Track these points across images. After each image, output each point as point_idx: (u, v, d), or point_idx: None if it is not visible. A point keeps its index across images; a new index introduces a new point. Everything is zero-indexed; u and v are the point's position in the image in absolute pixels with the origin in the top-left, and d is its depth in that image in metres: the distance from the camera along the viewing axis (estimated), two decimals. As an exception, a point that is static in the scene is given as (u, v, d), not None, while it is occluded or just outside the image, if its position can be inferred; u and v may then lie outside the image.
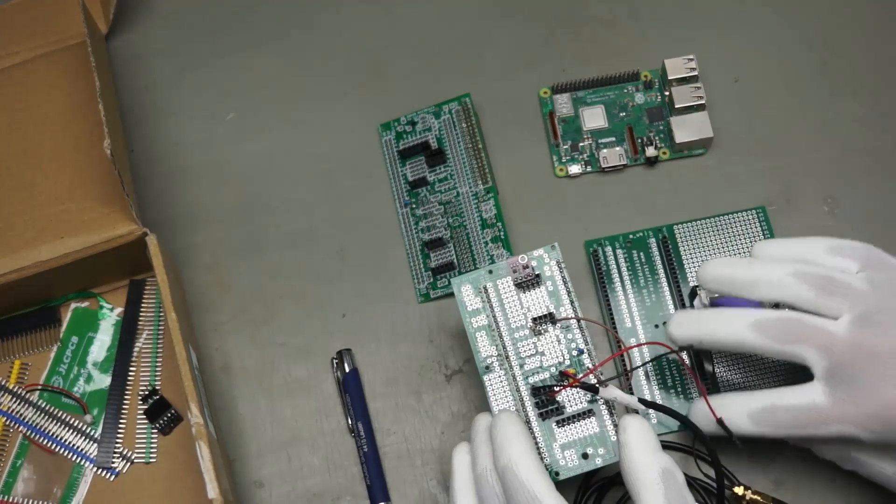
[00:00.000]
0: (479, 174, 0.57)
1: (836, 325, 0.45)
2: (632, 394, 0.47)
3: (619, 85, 0.59)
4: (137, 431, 0.55)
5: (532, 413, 0.48)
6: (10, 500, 0.54)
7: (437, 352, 0.56)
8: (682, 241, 0.56)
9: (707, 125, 0.57)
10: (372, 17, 0.64)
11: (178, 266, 0.59)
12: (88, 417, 0.56)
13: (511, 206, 0.58)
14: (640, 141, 0.58)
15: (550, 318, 0.49)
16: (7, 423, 0.56)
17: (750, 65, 0.60)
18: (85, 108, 0.57)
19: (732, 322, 0.47)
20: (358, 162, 0.60)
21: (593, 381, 0.47)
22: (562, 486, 0.45)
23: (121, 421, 0.55)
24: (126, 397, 0.56)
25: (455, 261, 0.56)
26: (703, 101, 0.57)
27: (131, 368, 0.56)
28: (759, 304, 0.48)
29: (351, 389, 0.55)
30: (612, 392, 0.46)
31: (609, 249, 0.56)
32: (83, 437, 0.55)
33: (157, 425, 0.55)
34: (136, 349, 0.57)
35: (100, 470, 0.55)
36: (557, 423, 0.47)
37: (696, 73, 0.58)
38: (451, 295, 0.56)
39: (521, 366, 0.48)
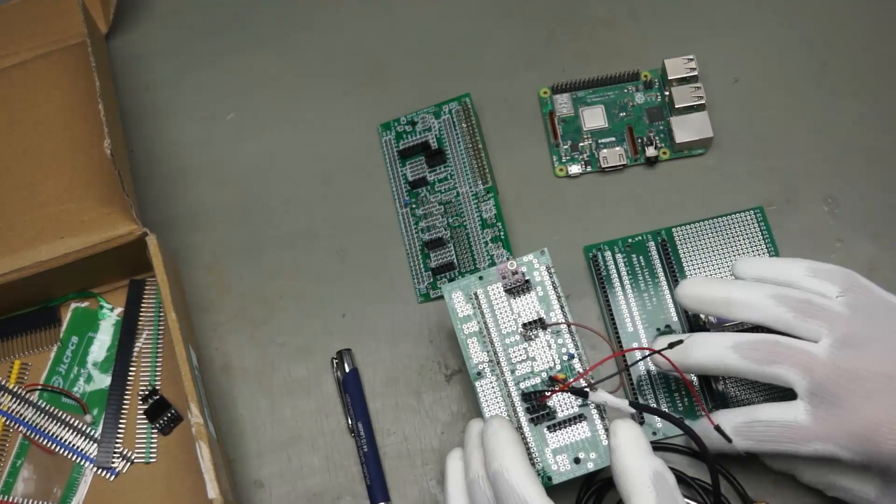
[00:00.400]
0: (479, 174, 0.57)
1: (816, 347, 0.45)
2: (636, 397, 0.47)
3: (619, 85, 0.59)
4: (137, 431, 0.55)
5: (523, 418, 0.48)
6: (10, 500, 0.54)
7: (437, 352, 0.56)
8: (682, 244, 0.56)
9: (707, 125, 0.57)
10: (372, 17, 0.64)
11: (178, 266, 0.59)
12: (88, 417, 0.56)
13: (511, 206, 0.58)
14: (640, 141, 0.58)
15: (541, 324, 0.49)
16: (7, 423, 0.56)
17: (750, 65, 0.60)
18: (85, 108, 0.57)
19: (713, 346, 0.47)
20: (358, 162, 0.60)
21: (583, 385, 0.47)
22: (555, 490, 0.45)
23: (121, 421, 0.55)
24: (126, 397, 0.56)
25: (455, 261, 0.56)
26: (703, 101, 0.57)
27: (131, 368, 0.56)
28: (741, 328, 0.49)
29: (351, 389, 0.55)
30: (602, 396, 0.46)
31: (608, 254, 0.56)
32: (83, 437, 0.55)
33: (157, 425, 0.55)
34: (136, 349, 0.57)
35: (100, 470, 0.55)
36: (549, 427, 0.47)
37: (696, 73, 0.58)
38: (451, 295, 0.56)
39: (513, 371, 0.48)
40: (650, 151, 0.58)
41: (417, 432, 0.55)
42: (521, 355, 0.49)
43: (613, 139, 0.58)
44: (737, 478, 0.50)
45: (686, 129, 0.57)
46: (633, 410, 0.46)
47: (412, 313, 0.57)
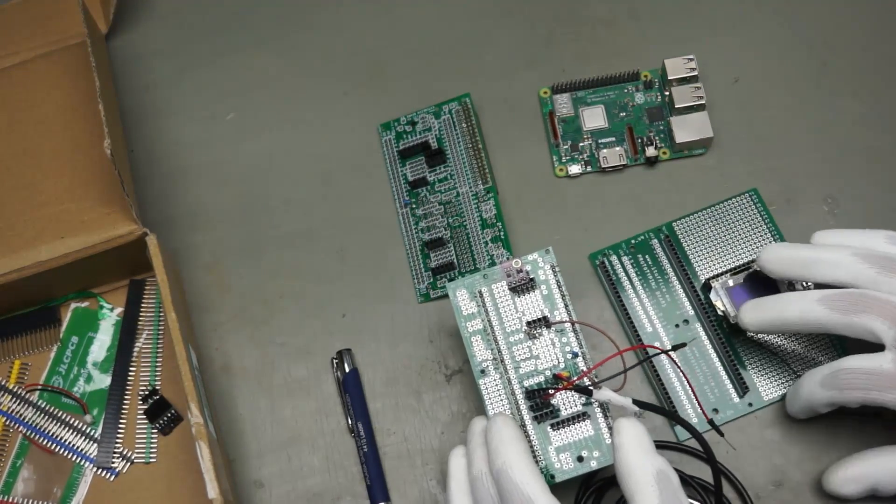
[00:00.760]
0: (479, 174, 0.57)
1: None
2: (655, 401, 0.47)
3: (619, 85, 0.59)
4: (137, 431, 0.55)
5: (527, 416, 0.48)
6: (10, 500, 0.54)
7: (437, 352, 0.56)
8: (684, 237, 0.56)
9: (707, 125, 0.57)
10: (372, 17, 0.64)
11: (178, 266, 0.59)
12: (88, 417, 0.56)
13: (511, 206, 0.58)
14: (640, 141, 0.58)
15: (545, 322, 0.49)
16: (7, 423, 0.56)
17: (750, 65, 0.60)
18: (85, 108, 0.57)
19: (799, 301, 0.47)
20: (358, 162, 0.60)
21: (587, 383, 0.47)
22: (558, 488, 0.45)
23: (121, 421, 0.55)
24: (126, 397, 0.56)
25: (455, 261, 0.56)
26: (703, 101, 0.57)
27: (131, 368, 0.56)
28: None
29: (351, 389, 0.55)
30: (606, 394, 0.46)
31: (614, 258, 0.56)
32: (83, 437, 0.55)
33: (157, 425, 0.55)
34: (136, 349, 0.57)
35: (100, 470, 0.55)
36: (552, 426, 0.47)
37: (696, 73, 0.58)
38: (451, 295, 0.56)
39: (517, 369, 0.48)
40: (650, 151, 0.58)
41: (417, 432, 0.55)
42: (524, 353, 0.48)
43: (613, 139, 0.58)
44: (738, 479, 0.51)
45: (686, 129, 0.57)
46: (637, 409, 0.46)
47: (412, 313, 0.57)
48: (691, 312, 0.54)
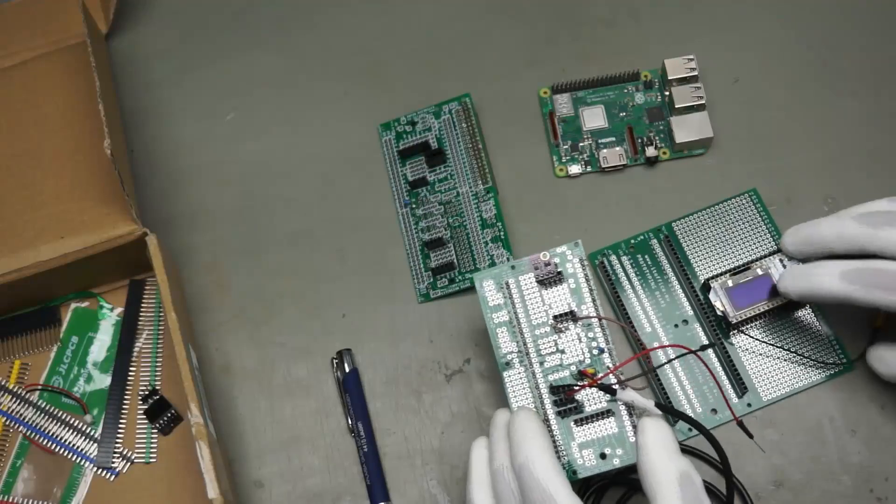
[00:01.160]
0: (479, 174, 0.57)
1: None
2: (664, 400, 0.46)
3: (619, 85, 0.59)
4: (137, 431, 0.55)
5: (551, 411, 0.47)
6: (10, 500, 0.54)
7: (437, 352, 0.56)
8: (684, 237, 0.56)
9: (707, 125, 0.57)
10: (372, 17, 0.64)
11: (178, 266, 0.59)
12: (88, 417, 0.56)
13: (511, 206, 0.58)
14: (640, 141, 0.58)
15: (572, 316, 0.48)
16: (7, 423, 0.56)
17: (750, 65, 0.60)
18: (85, 108, 0.57)
19: (828, 268, 0.48)
20: (358, 162, 0.60)
21: (613, 381, 0.47)
22: (579, 485, 0.45)
23: (121, 421, 0.55)
24: (126, 397, 0.56)
25: (455, 261, 0.56)
26: (703, 101, 0.57)
27: (131, 368, 0.56)
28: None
29: (351, 389, 0.55)
30: (630, 395, 0.46)
31: (614, 258, 0.56)
32: (83, 437, 0.55)
33: (157, 425, 0.55)
34: (136, 349, 0.57)
35: (100, 470, 0.55)
36: (576, 421, 0.47)
37: (696, 73, 0.58)
38: (452, 295, 0.56)
39: (542, 363, 0.48)
40: (650, 151, 0.58)
41: (417, 432, 0.55)
42: (550, 347, 0.48)
43: (613, 139, 0.58)
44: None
45: (686, 129, 0.57)
46: (659, 412, 0.45)
47: (412, 313, 0.57)
48: (690, 312, 0.54)
